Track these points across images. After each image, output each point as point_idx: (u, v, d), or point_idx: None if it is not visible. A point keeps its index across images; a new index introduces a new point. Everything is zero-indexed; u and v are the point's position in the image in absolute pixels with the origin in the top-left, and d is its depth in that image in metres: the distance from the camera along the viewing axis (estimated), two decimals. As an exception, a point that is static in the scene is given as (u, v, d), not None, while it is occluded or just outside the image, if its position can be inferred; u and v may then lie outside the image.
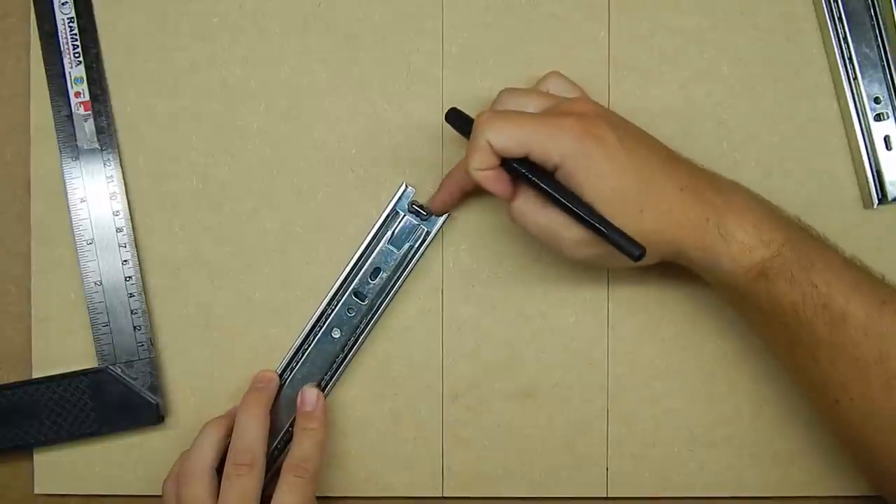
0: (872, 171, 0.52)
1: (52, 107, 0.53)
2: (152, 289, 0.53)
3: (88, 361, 0.53)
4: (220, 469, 0.48)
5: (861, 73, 0.52)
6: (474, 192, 0.51)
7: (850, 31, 0.52)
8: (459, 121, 0.48)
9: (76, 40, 0.53)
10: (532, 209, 0.46)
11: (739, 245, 0.44)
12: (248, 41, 0.53)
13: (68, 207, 0.53)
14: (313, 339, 0.52)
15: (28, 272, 0.53)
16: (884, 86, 0.52)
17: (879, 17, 0.52)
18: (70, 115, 0.53)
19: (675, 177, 0.45)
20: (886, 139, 0.52)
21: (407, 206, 0.52)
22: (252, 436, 0.48)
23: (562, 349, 0.53)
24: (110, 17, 0.53)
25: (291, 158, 0.53)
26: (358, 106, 0.53)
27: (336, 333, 0.52)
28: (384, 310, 0.52)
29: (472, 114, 0.48)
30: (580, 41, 0.53)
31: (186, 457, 0.48)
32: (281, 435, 0.51)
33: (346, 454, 0.53)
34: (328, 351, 0.52)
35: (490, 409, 0.53)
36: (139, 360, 0.52)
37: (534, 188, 0.45)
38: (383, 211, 0.52)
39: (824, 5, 0.53)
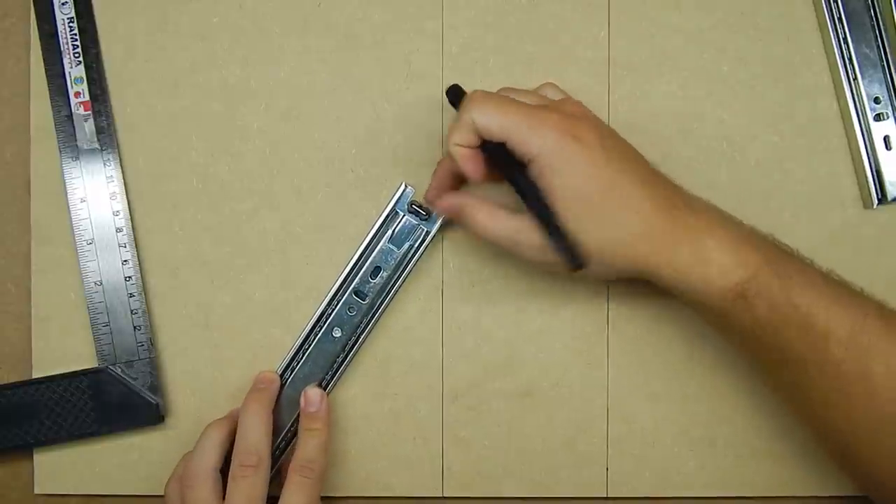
0: (872, 171, 0.52)
1: (52, 107, 0.53)
2: (152, 289, 0.53)
3: (88, 361, 0.53)
4: (223, 470, 0.48)
5: (861, 73, 0.52)
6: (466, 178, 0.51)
7: (850, 31, 0.52)
8: (456, 98, 0.48)
9: (76, 40, 0.53)
10: (491, 216, 0.46)
11: (717, 267, 0.43)
12: (248, 41, 0.53)
13: (68, 207, 0.53)
14: (314, 338, 0.52)
15: (28, 272, 0.53)
16: (884, 86, 0.53)
17: (879, 17, 0.52)
18: (70, 115, 0.53)
19: (651, 194, 0.44)
20: (886, 139, 0.52)
21: (406, 207, 0.52)
22: (256, 436, 0.48)
23: (562, 349, 0.53)
24: (110, 17, 0.53)
25: (291, 158, 0.53)
26: (358, 106, 0.53)
27: (337, 333, 0.52)
28: (385, 309, 0.52)
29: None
30: (580, 41, 0.53)
31: (189, 459, 0.48)
32: (283, 435, 0.51)
33: (346, 454, 0.53)
34: (329, 350, 0.52)
35: (490, 409, 0.53)
36: (139, 360, 0.52)
37: (502, 174, 0.46)
38: (383, 210, 0.52)
39: (824, 5, 0.53)
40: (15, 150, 0.54)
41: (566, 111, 0.46)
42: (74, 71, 0.53)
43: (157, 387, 0.53)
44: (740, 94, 0.53)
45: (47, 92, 0.53)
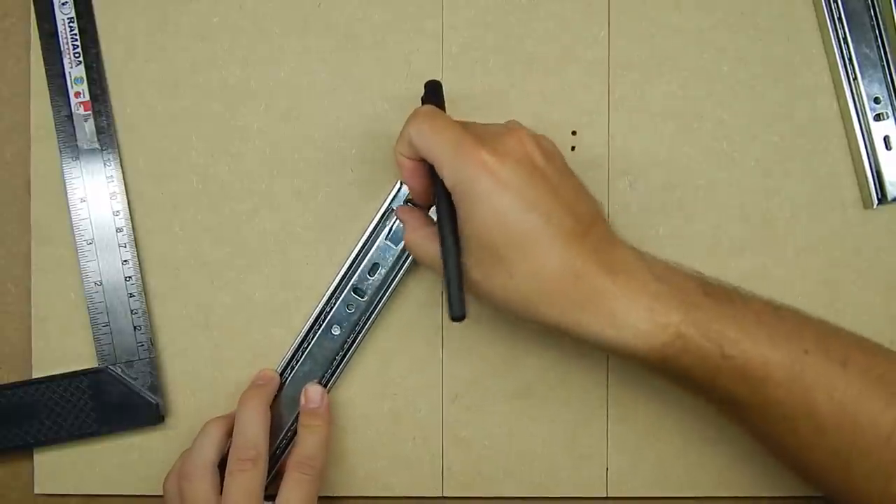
0: (872, 171, 0.52)
1: (52, 107, 0.53)
2: (152, 289, 0.53)
3: (88, 361, 0.53)
4: (221, 467, 0.48)
5: (861, 73, 0.52)
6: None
7: (850, 31, 0.52)
8: (429, 95, 0.48)
9: (76, 40, 0.53)
10: (423, 239, 0.46)
11: (632, 331, 0.41)
12: (248, 41, 0.53)
13: (68, 207, 0.53)
14: (313, 336, 0.52)
15: (28, 272, 0.53)
16: (884, 86, 0.52)
17: (879, 17, 0.52)
18: (70, 115, 0.53)
19: (563, 253, 0.41)
20: (886, 139, 0.52)
21: (403, 204, 0.52)
22: (254, 431, 0.48)
23: (562, 349, 0.53)
24: (110, 17, 0.53)
25: (291, 158, 0.53)
26: (358, 106, 0.53)
27: (336, 330, 0.52)
28: (383, 306, 0.52)
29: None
30: (580, 41, 0.53)
31: (188, 455, 0.48)
32: (283, 434, 0.51)
33: (345, 453, 0.53)
34: (328, 348, 0.52)
35: (490, 409, 0.53)
36: (139, 360, 0.52)
37: (434, 194, 0.44)
38: (380, 208, 0.52)
39: (824, 5, 0.53)
40: (15, 150, 0.54)
41: (504, 143, 0.42)
42: (74, 71, 0.53)
43: (157, 387, 0.53)
44: (740, 94, 0.53)
45: (47, 92, 0.53)
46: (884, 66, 0.52)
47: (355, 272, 0.52)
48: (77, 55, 0.53)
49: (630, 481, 0.53)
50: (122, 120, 0.53)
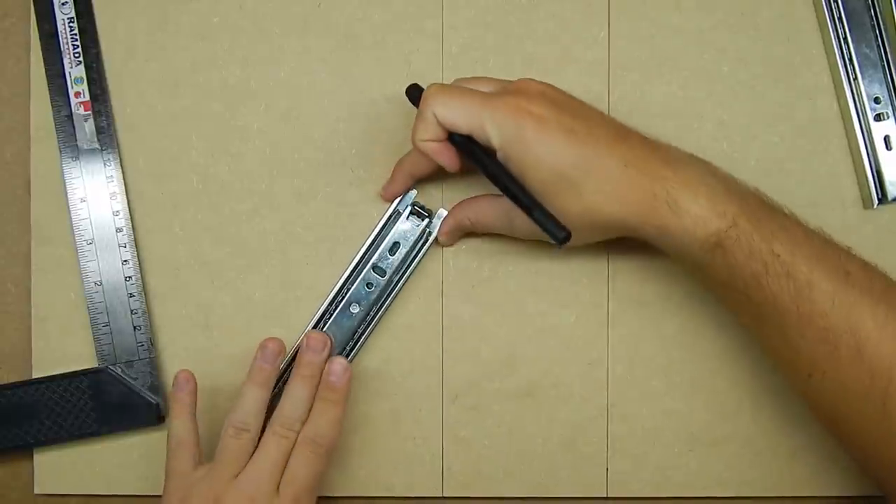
0: (872, 171, 0.52)
1: (52, 107, 0.53)
2: (152, 289, 0.53)
3: (88, 361, 0.53)
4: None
5: (861, 73, 0.52)
6: (425, 175, 0.51)
7: (850, 31, 0.52)
8: (415, 96, 0.48)
9: (76, 40, 0.53)
10: (478, 205, 0.49)
11: (692, 218, 0.43)
12: (248, 41, 0.53)
13: (68, 207, 0.53)
14: (331, 314, 0.52)
15: (28, 272, 0.53)
16: (884, 86, 0.53)
17: (879, 17, 0.52)
18: (70, 115, 0.53)
19: (619, 153, 0.44)
20: (886, 139, 0.52)
21: (410, 208, 0.52)
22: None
23: (562, 349, 0.53)
24: (110, 17, 0.53)
25: (291, 158, 0.53)
26: (358, 106, 0.53)
27: (355, 308, 0.52)
28: (403, 285, 0.52)
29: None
30: (580, 41, 0.53)
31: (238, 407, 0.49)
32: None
33: (346, 453, 0.53)
34: (347, 326, 0.52)
35: (490, 409, 0.53)
36: (139, 360, 0.52)
37: (474, 163, 0.46)
38: (382, 216, 0.52)
39: (824, 5, 0.53)
40: (15, 150, 0.54)
41: (521, 91, 0.45)
42: (74, 71, 0.53)
43: (157, 387, 0.53)
44: (740, 94, 0.53)
45: (47, 92, 0.53)
46: (884, 66, 0.52)
47: (375, 251, 0.52)
48: (77, 55, 0.53)
49: (630, 481, 0.53)
50: (122, 120, 0.53)
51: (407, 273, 0.52)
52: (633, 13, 0.53)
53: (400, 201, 0.52)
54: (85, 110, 0.53)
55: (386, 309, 0.52)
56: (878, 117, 0.52)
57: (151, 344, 0.53)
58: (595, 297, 0.53)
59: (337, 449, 0.49)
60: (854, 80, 0.52)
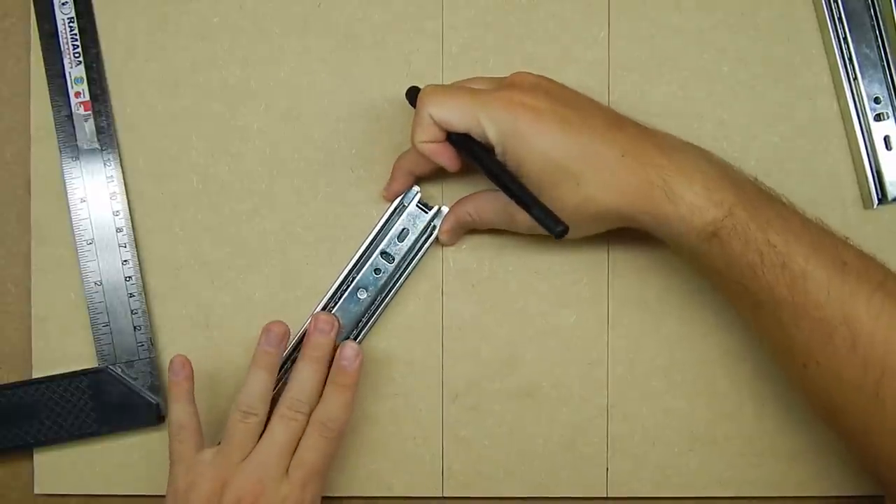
0: (872, 171, 0.52)
1: (52, 107, 0.53)
2: (152, 289, 0.53)
3: (88, 361, 0.53)
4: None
5: (861, 73, 0.52)
6: (425, 174, 0.51)
7: (850, 31, 0.52)
8: (413, 97, 0.49)
9: (76, 40, 0.53)
10: (477, 201, 0.49)
11: (688, 206, 0.43)
12: (248, 41, 0.53)
13: (68, 207, 0.53)
14: (338, 300, 0.52)
15: (28, 272, 0.53)
16: (884, 86, 0.53)
17: (879, 17, 0.52)
18: (70, 115, 0.53)
19: (617, 143, 0.44)
20: (886, 139, 0.52)
21: (416, 204, 0.52)
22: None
23: (562, 349, 0.53)
24: (110, 17, 0.53)
25: (291, 158, 0.53)
26: (358, 106, 0.53)
27: (362, 294, 0.52)
28: (412, 271, 0.52)
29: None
30: (580, 41, 0.53)
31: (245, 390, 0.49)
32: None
33: (345, 453, 0.53)
34: (354, 311, 0.52)
35: (490, 409, 0.53)
36: (139, 360, 0.52)
37: (472, 161, 0.46)
38: (387, 210, 0.52)
39: (824, 5, 0.53)
40: (15, 150, 0.54)
41: (515, 84, 0.46)
42: (74, 71, 0.53)
43: (157, 387, 0.53)
44: (740, 94, 0.53)
45: (47, 92, 0.53)
46: (884, 66, 0.52)
47: (384, 238, 0.52)
48: (77, 55, 0.53)
49: (630, 481, 0.53)
50: (122, 120, 0.53)
51: (415, 260, 0.52)
52: (633, 13, 0.53)
53: (404, 197, 0.52)
54: (85, 110, 0.53)
55: (393, 295, 0.52)
56: (878, 117, 0.52)
57: (151, 344, 0.53)
58: (595, 297, 0.53)
59: (345, 434, 0.49)
60: (854, 80, 0.52)
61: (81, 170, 0.53)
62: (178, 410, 0.48)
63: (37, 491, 0.53)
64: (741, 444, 0.53)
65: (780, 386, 0.53)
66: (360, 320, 0.52)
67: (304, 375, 0.49)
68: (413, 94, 0.49)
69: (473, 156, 0.46)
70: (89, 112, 0.53)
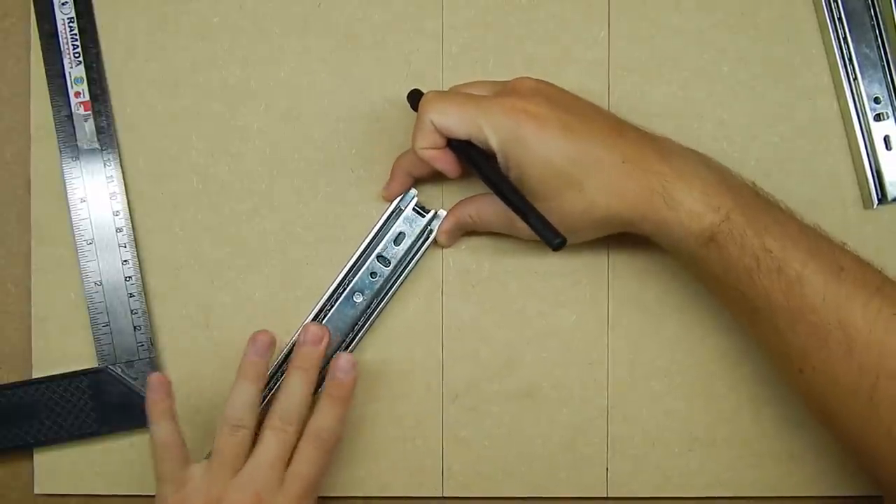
0: (872, 171, 0.52)
1: (52, 107, 0.53)
2: (152, 289, 0.53)
3: (88, 361, 0.53)
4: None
5: (861, 73, 0.52)
6: (424, 176, 0.51)
7: (850, 31, 0.52)
8: (416, 101, 0.49)
9: (76, 40, 0.53)
10: (479, 204, 0.49)
11: (687, 212, 0.43)
12: (248, 41, 0.53)
13: (68, 207, 0.53)
14: (333, 304, 0.52)
15: (28, 272, 0.53)
16: (884, 86, 0.52)
17: (879, 17, 0.52)
18: (70, 115, 0.53)
19: (618, 149, 0.44)
20: (886, 139, 0.52)
21: (412, 207, 0.52)
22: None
23: (562, 349, 0.53)
24: (110, 17, 0.53)
25: (291, 158, 0.53)
26: (358, 106, 0.53)
27: (358, 298, 0.52)
28: (408, 275, 0.52)
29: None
30: (580, 41, 0.53)
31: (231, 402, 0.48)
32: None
33: (346, 453, 0.53)
34: (349, 315, 0.52)
35: (490, 409, 0.53)
36: (139, 360, 0.52)
37: (472, 168, 0.46)
38: (384, 213, 0.52)
39: (824, 5, 0.53)
40: (15, 150, 0.54)
41: (516, 90, 0.46)
42: (74, 71, 0.53)
43: (157, 387, 0.53)
44: (740, 94, 0.53)
45: (47, 92, 0.53)
46: (884, 66, 0.52)
47: (380, 241, 0.52)
48: (77, 55, 0.53)
49: (630, 482, 0.53)
50: (122, 120, 0.53)
51: (411, 264, 0.52)
52: (633, 13, 0.53)
53: (401, 199, 0.52)
54: (85, 110, 0.53)
55: (389, 299, 0.52)
56: (878, 117, 0.52)
57: (151, 344, 0.53)
58: (595, 298, 0.53)
59: (340, 446, 0.49)
60: (854, 80, 0.52)
61: (81, 170, 0.53)
62: (160, 430, 0.47)
63: (37, 491, 0.53)
64: (740, 445, 0.53)
65: (779, 388, 0.53)
66: (356, 324, 0.52)
67: (295, 387, 0.48)
68: (414, 97, 0.49)
69: (473, 163, 0.46)
70: (89, 112, 0.53)
